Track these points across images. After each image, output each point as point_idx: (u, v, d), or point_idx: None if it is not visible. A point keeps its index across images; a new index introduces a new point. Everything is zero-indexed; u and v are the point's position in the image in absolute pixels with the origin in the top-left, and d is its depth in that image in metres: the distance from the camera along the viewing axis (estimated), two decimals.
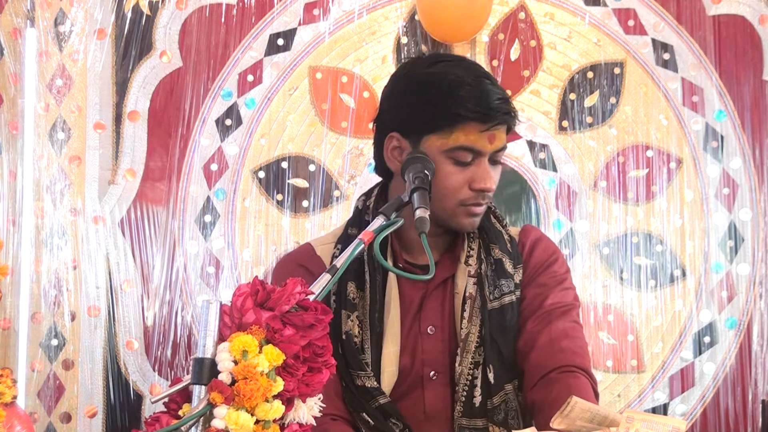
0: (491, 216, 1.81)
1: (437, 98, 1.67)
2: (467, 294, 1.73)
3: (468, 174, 1.68)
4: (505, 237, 1.79)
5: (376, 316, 1.71)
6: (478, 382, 1.70)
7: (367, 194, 1.83)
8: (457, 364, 1.70)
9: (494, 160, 1.71)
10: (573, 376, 1.65)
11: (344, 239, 1.78)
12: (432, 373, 1.73)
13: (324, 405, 1.27)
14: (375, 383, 1.69)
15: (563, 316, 1.74)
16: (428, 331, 1.74)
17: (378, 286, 1.72)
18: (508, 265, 1.75)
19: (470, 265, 1.74)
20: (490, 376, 1.69)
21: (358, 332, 1.70)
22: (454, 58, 1.82)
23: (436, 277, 1.73)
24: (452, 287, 1.75)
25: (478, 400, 1.69)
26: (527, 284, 1.77)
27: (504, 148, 1.72)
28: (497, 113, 1.66)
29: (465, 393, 1.70)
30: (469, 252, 1.76)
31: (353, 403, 1.70)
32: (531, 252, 1.80)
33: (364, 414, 1.69)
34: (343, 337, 1.70)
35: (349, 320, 1.70)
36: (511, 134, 1.75)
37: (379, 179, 1.83)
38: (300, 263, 1.77)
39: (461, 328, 1.71)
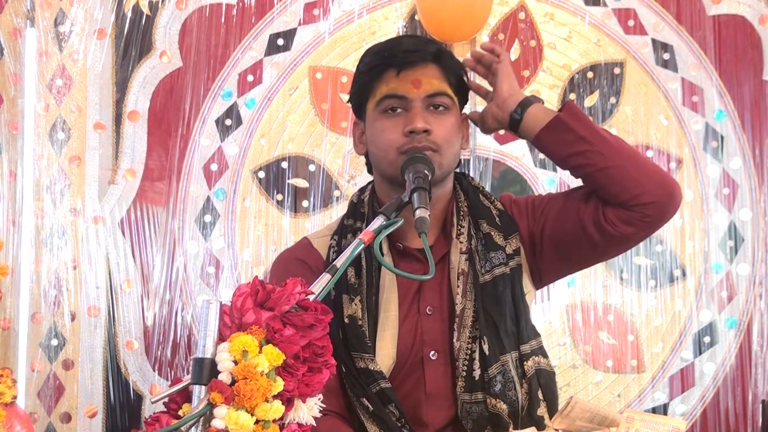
0: (479, 194, 1.84)
1: (362, 66, 1.77)
2: (460, 270, 1.75)
3: (400, 122, 1.72)
4: (494, 212, 1.82)
5: (372, 299, 1.73)
6: (476, 355, 1.71)
7: (362, 190, 1.87)
8: (454, 340, 1.72)
9: (434, 105, 1.74)
10: None
11: (340, 230, 1.81)
12: (432, 352, 1.75)
13: (323, 405, 1.27)
14: (377, 366, 1.70)
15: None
16: (427, 311, 1.76)
17: (374, 271, 1.75)
18: (498, 238, 1.78)
19: (462, 243, 1.77)
20: (485, 347, 1.71)
21: (362, 315, 1.72)
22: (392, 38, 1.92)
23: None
24: (448, 265, 1.77)
25: (477, 373, 1.71)
26: (534, 228, 1.80)
27: (440, 93, 1.74)
28: (408, 53, 1.72)
29: (465, 368, 1.71)
30: (459, 230, 1.78)
31: (354, 388, 1.71)
32: (514, 211, 1.84)
33: (364, 399, 1.70)
34: (346, 320, 1.72)
35: (353, 304, 1.73)
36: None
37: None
38: (297, 257, 1.81)
39: (456, 304, 1.73)
